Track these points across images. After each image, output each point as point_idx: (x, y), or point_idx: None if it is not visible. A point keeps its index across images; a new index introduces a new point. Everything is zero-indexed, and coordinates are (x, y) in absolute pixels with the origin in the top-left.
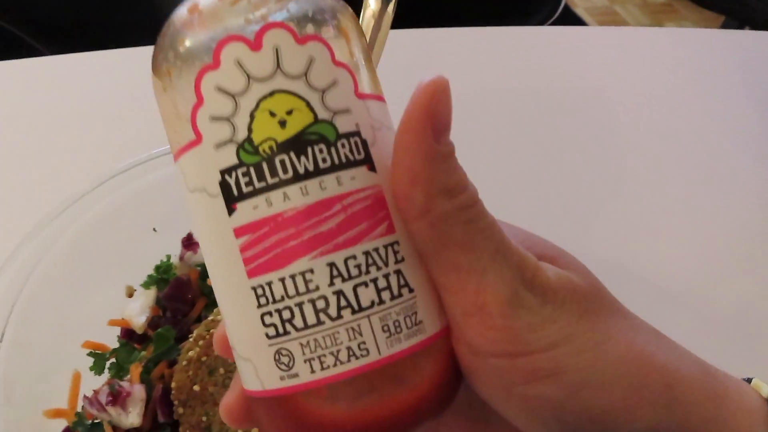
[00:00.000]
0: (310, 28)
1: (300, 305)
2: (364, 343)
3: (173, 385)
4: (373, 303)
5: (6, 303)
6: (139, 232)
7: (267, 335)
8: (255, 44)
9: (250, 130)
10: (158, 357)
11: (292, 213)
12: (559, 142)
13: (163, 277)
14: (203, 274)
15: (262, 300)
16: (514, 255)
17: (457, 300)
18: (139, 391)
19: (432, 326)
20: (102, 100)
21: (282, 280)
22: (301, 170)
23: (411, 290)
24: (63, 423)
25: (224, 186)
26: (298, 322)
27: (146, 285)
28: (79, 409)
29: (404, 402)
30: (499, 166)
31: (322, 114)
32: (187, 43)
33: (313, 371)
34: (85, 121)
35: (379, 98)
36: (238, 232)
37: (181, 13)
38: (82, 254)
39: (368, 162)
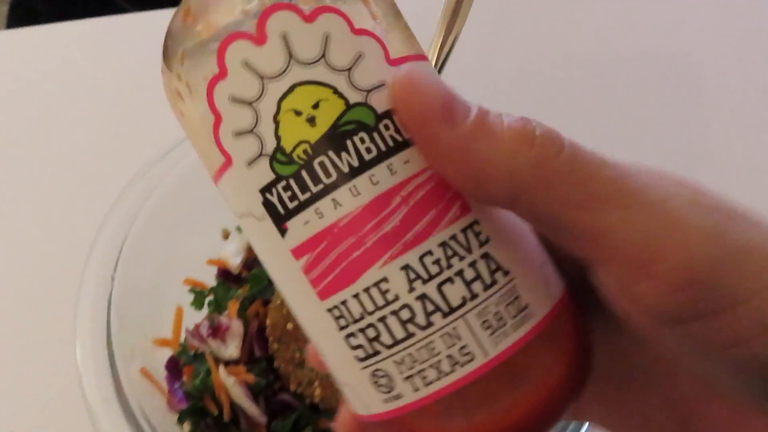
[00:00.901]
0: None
1: (383, 320)
2: (465, 347)
3: (268, 322)
4: (464, 300)
5: (116, 242)
6: None
7: (357, 358)
8: (258, 37)
9: (278, 137)
10: (253, 296)
11: (348, 219)
12: (641, 109)
13: None
14: None
15: (342, 321)
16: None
17: (625, 249)
18: (237, 326)
19: (542, 306)
20: None
21: (356, 296)
22: (346, 169)
23: (506, 273)
24: (169, 352)
25: (268, 206)
26: (385, 338)
27: (240, 228)
28: (182, 341)
29: (531, 402)
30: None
31: (354, 97)
32: (188, 56)
33: (416, 389)
34: None
35: (419, 57)
36: (297, 253)
37: (174, 23)
38: (181, 198)
39: None
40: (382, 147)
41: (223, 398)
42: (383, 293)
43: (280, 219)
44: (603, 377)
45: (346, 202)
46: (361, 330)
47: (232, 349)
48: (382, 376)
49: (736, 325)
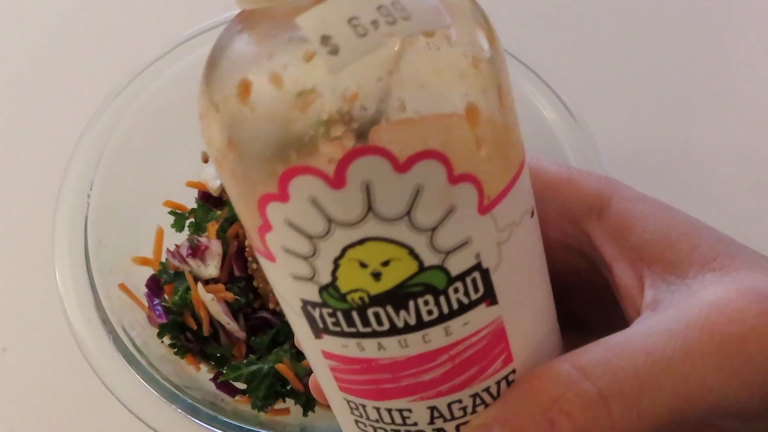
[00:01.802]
0: (417, 144)
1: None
2: None
3: (247, 243)
4: None
5: (92, 161)
6: None
7: None
8: (335, 180)
9: (334, 277)
10: (233, 217)
11: (388, 362)
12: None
13: None
14: None
15: (356, 413)
16: None
17: None
18: (216, 246)
19: None
20: None
21: (377, 408)
22: (400, 324)
23: None
24: (149, 271)
25: (307, 314)
26: None
27: None
28: (162, 261)
29: None
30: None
31: (430, 259)
32: (241, 145)
33: None
34: None
35: (515, 182)
36: (327, 355)
37: (226, 84)
38: (158, 119)
39: (488, 296)
40: (445, 310)
41: (202, 314)
42: (404, 417)
43: (317, 329)
44: None
45: (391, 349)
46: (373, 427)
47: (211, 268)
48: None
49: None
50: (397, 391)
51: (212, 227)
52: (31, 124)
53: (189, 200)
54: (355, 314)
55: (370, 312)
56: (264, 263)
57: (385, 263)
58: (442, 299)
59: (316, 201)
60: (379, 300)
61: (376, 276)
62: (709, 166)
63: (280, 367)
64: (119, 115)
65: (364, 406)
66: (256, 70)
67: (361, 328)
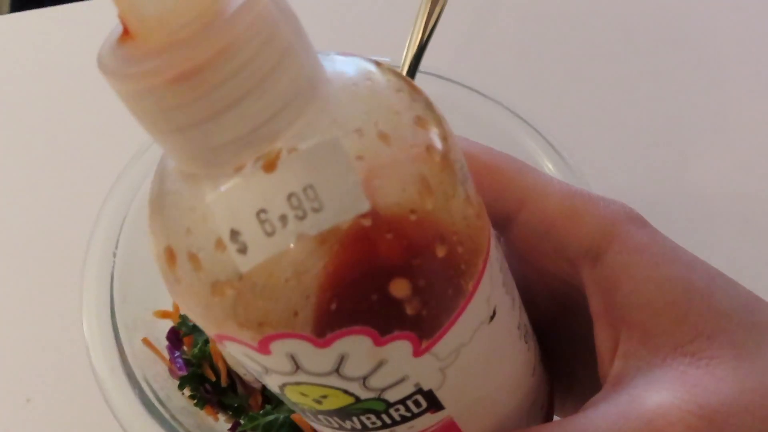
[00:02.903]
0: (335, 325)
1: None
2: None
3: None
4: None
5: (117, 219)
6: None
7: None
8: (260, 348)
9: (283, 393)
10: None
11: None
12: (653, 72)
13: None
14: None
15: None
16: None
17: None
18: None
19: None
20: None
21: None
22: (348, 427)
23: None
24: (169, 324)
25: None
26: None
27: None
28: (182, 313)
29: None
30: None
31: (366, 395)
32: (186, 298)
33: None
34: None
35: (464, 309)
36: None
37: (157, 241)
38: None
39: (432, 407)
40: (388, 422)
41: (221, 365)
42: None
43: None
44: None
45: None
46: None
47: None
48: None
49: None
50: None
51: None
52: (59, 183)
53: None
54: (308, 414)
55: (320, 416)
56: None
57: (324, 396)
58: (384, 416)
59: (250, 356)
60: (324, 413)
61: (318, 402)
62: (705, 205)
63: (295, 417)
64: (142, 176)
65: None
66: (176, 242)
67: (313, 419)
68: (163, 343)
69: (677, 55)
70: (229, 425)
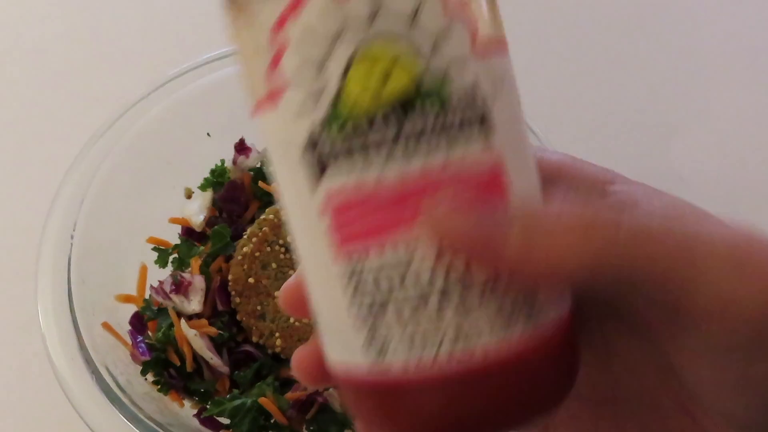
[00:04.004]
0: None
1: (402, 276)
2: (478, 324)
3: (230, 277)
4: (488, 278)
5: (75, 201)
6: (194, 136)
7: (358, 311)
8: None
9: (346, 79)
10: (216, 252)
11: (396, 177)
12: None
13: (218, 180)
14: (255, 177)
15: (354, 280)
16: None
17: (721, 251)
18: (199, 282)
19: (557, 306)
20: (155, 6)
21: (380, 253)
22: (409, 128)
23: None
24: (133, 308)
25: (310, 152)
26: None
27: (203, 187)
28: (146, 297)
29: (519, 395)
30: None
31: (434, 64)
32: None
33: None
34: (140, 28)
35: (499, 51)
36: (327, 202)
37: None
38: (142, 157)
39: (488, 122)
40: (451, 119)
41: (186, 350)
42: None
43: (321, 164)
44: (582, 399)
45: (399, 157)
46: (373, 296)
47: (194, 303)
48: (379, 338)
49: None
50: (407, 216)
51: (195, 262)
52: (14, 164)
53: (172, 236)
54: (364, 119)
55: (378, 115)
56: (267, 119)
57: (394, 60)
58: (447, 107)
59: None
60: (388, 100)
61: (386, 74)
62: (686, 187)
63: (263, 401)
64: (102, 156)
65: (366, 260)
66: None
67: (369, 136)
68: (125, 329)
69: (658, 37)
70: (195, 411)
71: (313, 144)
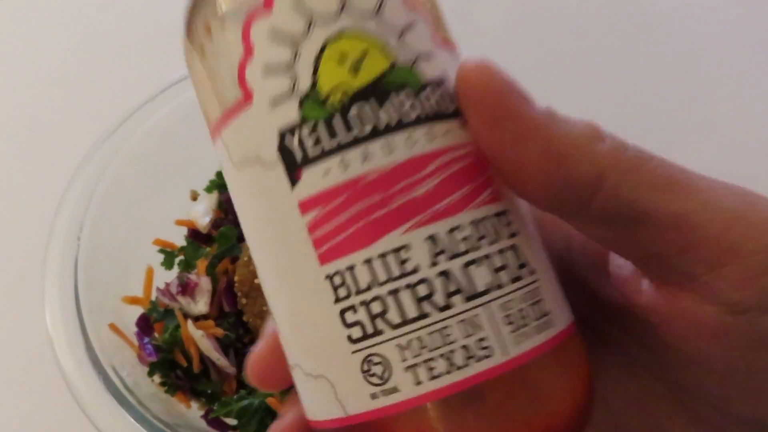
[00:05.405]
0: None
1: (395, 293)
2: (484, 339)
3: (236, 278)
4: (490, 287)
5: (82, 204)
6: (200, 139)
7: (350, 338)
8: None
9: (315, 78)
10: (222, 253)
11: (376, 175)
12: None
13: (223, 182)
14: None
15: (341, 291)
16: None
17: (711, 231)
18: (205, 283)
19: (562, 318)
20: (161, 9)
21: (368, 261)
22: (383, 122)
23: (532, 271)
24: (139, 310)
25: (284, 150)
26: (393, 316)
27: (209, 189)
28: (153, 299)
29: (539, 419)
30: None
31: (402, 57)
32: None
33: (418, 382)
34: (146, 30)
35: (455, 50)
36: (305, 205)
37: None
38: (148, 159)
39: (461, 116)
40: (425, 111)
41: (192, 351)
42: (401, 262)
43: (296, 165)
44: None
45: (377, 156)
46: (365, 303)
47: (201, 305)
48: (377, 363)
49: None
50: (390, 219)
51: (201, 264)
52: (21, 168)
53: (178, 238)
54: (337, 119)
55: (351, 112)
56: (236, 125)
57: (362, 55)
58: (420, 99)
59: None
60: (360, 95)
61: (355, 70)
62: None
63: (270, 401)
64: (109, 158)
65: (352, 271)
66: None
67: (343, 137)
68: (132, 330)
69: (659, 37)
70: (202, 412)
71: (284, 148)
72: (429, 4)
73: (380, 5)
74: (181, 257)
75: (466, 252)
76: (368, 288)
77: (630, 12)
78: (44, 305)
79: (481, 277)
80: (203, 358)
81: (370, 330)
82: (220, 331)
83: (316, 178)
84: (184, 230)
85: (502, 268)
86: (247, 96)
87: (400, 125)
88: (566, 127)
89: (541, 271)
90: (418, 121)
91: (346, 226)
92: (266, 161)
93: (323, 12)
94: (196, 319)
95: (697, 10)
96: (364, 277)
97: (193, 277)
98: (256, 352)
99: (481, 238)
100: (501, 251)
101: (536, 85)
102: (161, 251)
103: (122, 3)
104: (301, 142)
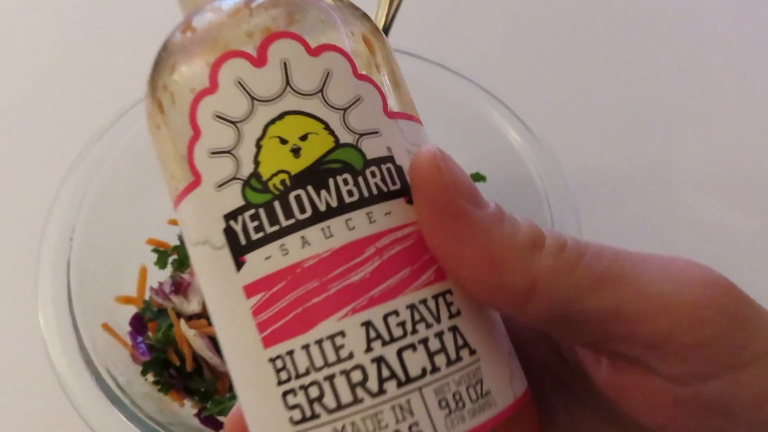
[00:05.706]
0: (324, 37)
1: (330, 379)
2: (416, 424)
3: None
4: (424, 371)
5: (74, 204)
6: None
7: (291, 420)
8: (258, 59)
9: (257, 162)
10: None
11: (314, 261)
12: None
13: None
14: None
15: (283, 375)
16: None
17: (635, 338)
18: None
19: (504, 396)
20: (154, 8)
21: (306, 347)
22: (322, 207)
23: (473, 352)
24: (133, 309)
25: (229, 234)
26: (329, 401)
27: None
28: (146, 298)
29: None
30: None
31: (345, 137)
32: (180, 67)
33: None
34: (139, 29)
35: (413, 119)
36: (249, 290)
37: (173, 35)
38: (141, 159)
39: (406, 193)
40: (366, 193)
41: (185, 350)
42: (336, 349)
43: (240, 250)
44: None
45: (315, 242)
46: (304, 387)
47: (194, 304)
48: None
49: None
50: (328, 305)
51: None
52: (14, 166)
53: (172, 238)
54: (277, 204)
55: (291, 197)
56: (188, 205)
57: (304, 137)
58: (360, 180)
59: (242, 81)
60: (299, 180)
61: (296, 152)
62: (672, 180)
63: None
64: (101, 158)
65: (291, 354)
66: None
67: (283, 222)
68: (125, 330)
69: (659, 37)
70: (195, 411)
71: (229, 233)
72: (387, 70)
73: (324, 84)
74: (175, 256)
75: (402, 337)
76: (306, 373)
77: (630, 12)
78: (37, 305)
79: (415, 362)
80: (196, 357)
81: (308, 413)
82: (213, 330)
83: (259, 263)
84: (177, 229)
85: (439, 351)
86: (197, 177)
87: (339, 209)
88: (509, 232)
89: (484, 349)
90: (359, 203)
91: (286, 311)
92: (214, 244)
93: (265, 94)
94: (190, 318)
95: (697, 10)
96: (302, 362)
97: (186, 276)
98: (235, 411)
99: (418, 322)
100: (439, 334)
101: (536, 85)
102: (154, 251)
103: (115, 1)
104: (244, 227)
